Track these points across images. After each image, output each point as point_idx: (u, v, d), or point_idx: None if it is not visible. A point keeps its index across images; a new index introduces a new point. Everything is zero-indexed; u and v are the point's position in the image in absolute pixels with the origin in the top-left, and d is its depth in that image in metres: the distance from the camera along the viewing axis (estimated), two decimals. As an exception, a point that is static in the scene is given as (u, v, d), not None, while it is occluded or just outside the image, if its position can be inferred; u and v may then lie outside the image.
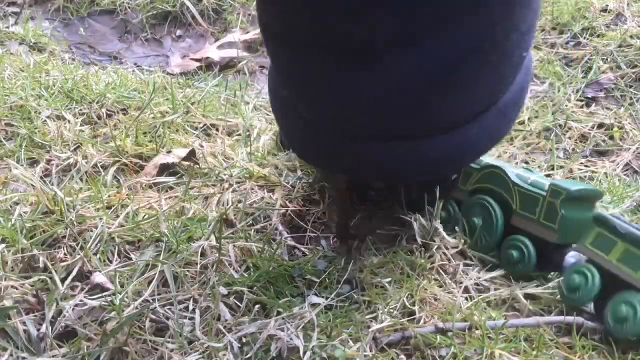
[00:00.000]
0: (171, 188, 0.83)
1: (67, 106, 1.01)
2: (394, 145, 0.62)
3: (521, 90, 0.67)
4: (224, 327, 0.62)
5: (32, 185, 0.77)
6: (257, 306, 0.65)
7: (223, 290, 0.66)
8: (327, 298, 0.67)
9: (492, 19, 0.55)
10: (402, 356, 0.62)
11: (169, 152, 0.88)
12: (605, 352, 0.65)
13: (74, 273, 0.67)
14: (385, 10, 0.53)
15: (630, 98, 1.23)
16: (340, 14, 0.54)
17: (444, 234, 0.77)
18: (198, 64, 1.41)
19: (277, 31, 0.61)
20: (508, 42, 0.58)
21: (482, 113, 0.63)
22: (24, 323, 0.62)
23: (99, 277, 0.66)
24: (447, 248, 0.76)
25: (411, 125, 0.61)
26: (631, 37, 1.33)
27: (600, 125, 1.18)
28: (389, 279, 0.71)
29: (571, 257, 0.71)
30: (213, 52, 1.44)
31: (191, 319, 0.63)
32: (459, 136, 0.63)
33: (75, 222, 0.72)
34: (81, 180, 0.82)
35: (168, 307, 0.64)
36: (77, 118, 0.97)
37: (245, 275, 0.69)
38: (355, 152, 0.64)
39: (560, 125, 1.18)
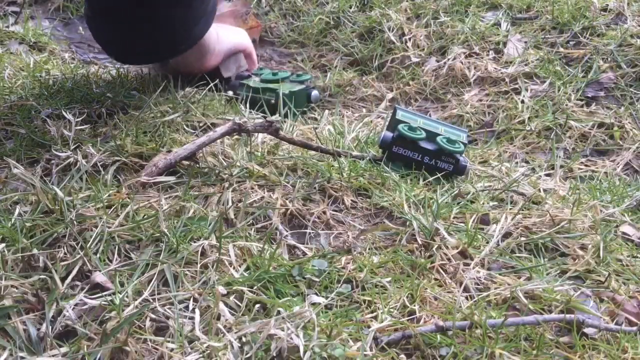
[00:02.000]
0: (171, 187, 0.83)
1: (67, 105, 1.01)
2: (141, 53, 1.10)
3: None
4: (224, 326, 0.62)
5: (32, 184, 0.77)
6: (257, 306, 0.65)
7: (223, 289, 0.66)
8: (327, 297, 0.67)
9: None
10: (402, 356, 0.62)
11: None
12: (605, 351, 0.65)
13: (74, 272, 0.67)
14: None
15: (631, 97, 1.23)
16: None
17: (445, 233, 0.78)
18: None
19: None
20: None
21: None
22: (24, 323, 0.62)
23: (99, 277, 0.66)
24: (447, 248, 0.76)
25: (144, 41, 1.05)
26: (631, 36, 1.33)
27: (601, 125, 1.18)
28: (389, 279, 0.71)
29: None
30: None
31: (191, 318, 0.63)
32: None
33: (75, 222, 0.72)
34: (81, 179, 0.81)
35: (168, 306, 0.64)
36: (77, 117, 0.97)
37: (245, 274, 0.69)
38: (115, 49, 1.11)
39: (560, 125, 1.18)
